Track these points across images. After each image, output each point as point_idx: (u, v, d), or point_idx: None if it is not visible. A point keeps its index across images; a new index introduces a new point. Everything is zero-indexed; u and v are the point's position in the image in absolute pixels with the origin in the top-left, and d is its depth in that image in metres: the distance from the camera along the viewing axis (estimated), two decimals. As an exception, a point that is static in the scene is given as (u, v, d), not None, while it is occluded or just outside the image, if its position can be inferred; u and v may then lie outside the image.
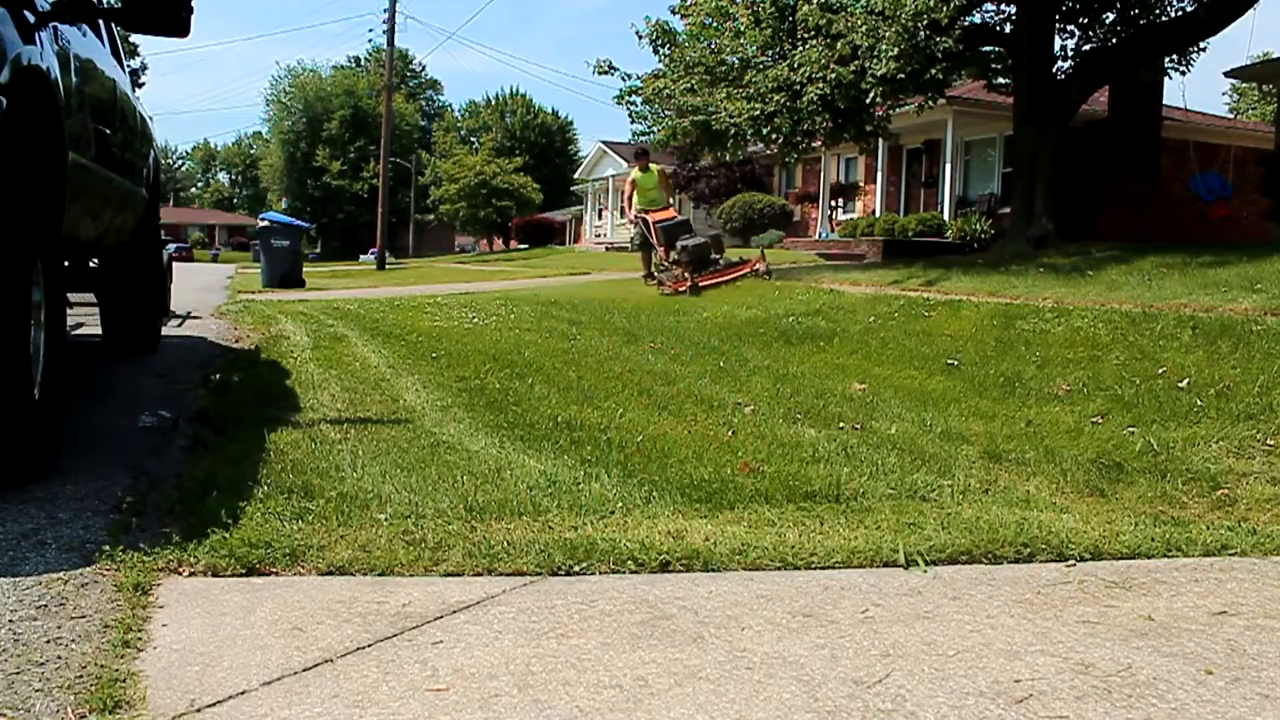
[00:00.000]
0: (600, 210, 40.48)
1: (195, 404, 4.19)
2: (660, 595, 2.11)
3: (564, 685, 1.66)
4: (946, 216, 18.72)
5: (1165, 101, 17.81)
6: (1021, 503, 2.96)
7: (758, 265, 11.52)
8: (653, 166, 12.90)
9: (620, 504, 2.75)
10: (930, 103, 13.77)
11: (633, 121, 15.21)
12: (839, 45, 11.69)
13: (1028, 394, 4.81)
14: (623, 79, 14.56)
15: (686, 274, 11.09)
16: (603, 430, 3.76)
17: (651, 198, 12.62)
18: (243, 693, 1.60)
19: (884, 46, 11.19)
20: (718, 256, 11.70)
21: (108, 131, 4.02)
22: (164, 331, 6.73)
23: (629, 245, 30.95)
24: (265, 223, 17.96)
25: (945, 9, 10.99)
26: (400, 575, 2.20)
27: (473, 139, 59.16)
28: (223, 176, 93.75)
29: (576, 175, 44.19)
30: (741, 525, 2.61)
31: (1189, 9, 13.39)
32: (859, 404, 4.56)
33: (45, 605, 1.91)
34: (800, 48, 12.26)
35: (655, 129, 14.81)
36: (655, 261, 12.36)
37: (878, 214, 21.30)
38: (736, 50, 13.21)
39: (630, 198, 12.60)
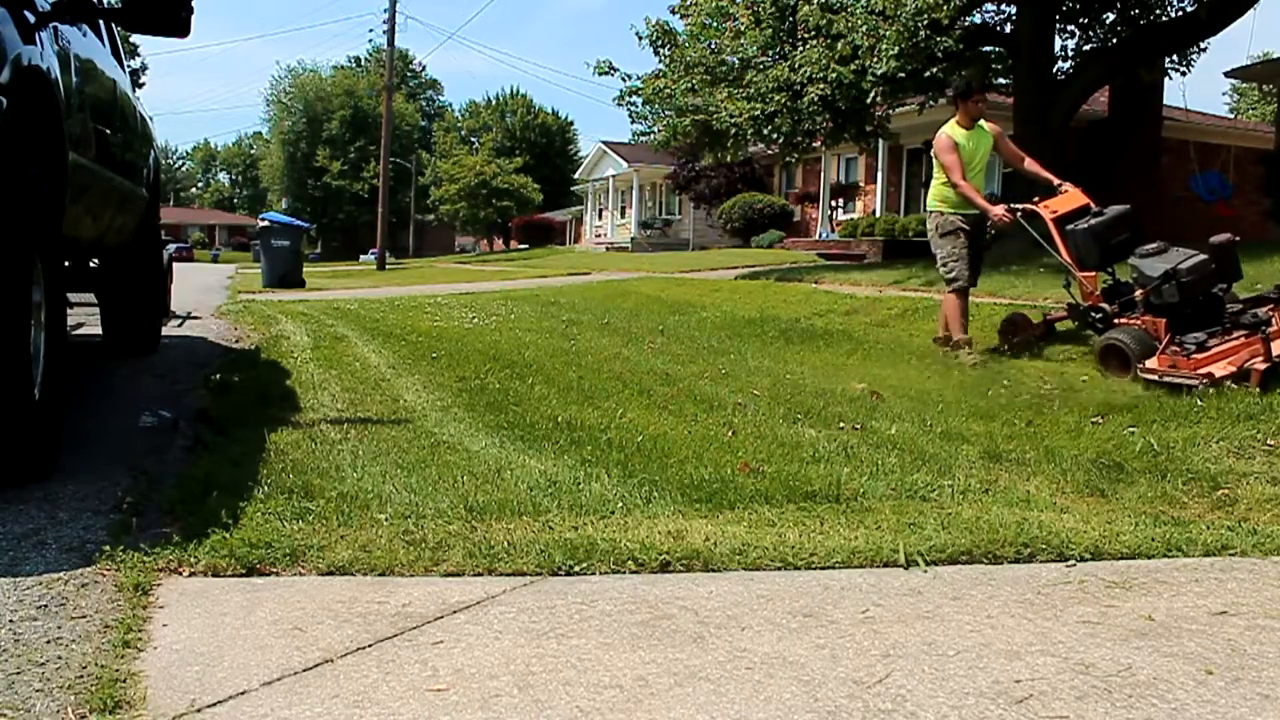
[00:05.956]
0: (600, 210, 40.49)
1: (195, 404, 4.19)
2: (660, 595, 2.11)
3: (564, 685, 1.66)
4: (947, 216, 18.68)
5: (1165, 101, 17.80)
6: (1022, 503, 2.96)
7: None
8: (985, 124, 6.59)
9: (620, 504, 2.75)
10: (931, 102, 13.79)
11: (633, 122, 15.24)
12: (839, 45, 11.70)
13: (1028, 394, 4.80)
14: (623, 79, 14.60)
15: (1233, 341, 4.70)
16: (603, 430, 3.76)
17: (976, 178, 6.60)
18: (243, 693, 1.60)
19: (885, 46, 11.20)
20: (1224, 286, 5.25)
21: (108, 131, 4.02)
22: (164, 331, 6.73)
23: (629, 245, 30.63)
24: (265, 223, 17.99)
25: (946, 8, 11.00)
26: (400, 575, 2.20)
27: (473, 139, 59.15)
28: (223, 176, 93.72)
29: (577, 175, 44.25)
30: (742, 525, 2.61)
31: (1189, 9, 13.38)
32: (859, 404, 4.56)
33: (46, 605, 1.91)
34: (801, 48, 12.27)
35: (655, 129, 14.84)
36: (1081, 295, 5.78)
37: (878, 214, 21.30)
38: (737, 50, 13.22)
39: (959, 170, 6.34)
